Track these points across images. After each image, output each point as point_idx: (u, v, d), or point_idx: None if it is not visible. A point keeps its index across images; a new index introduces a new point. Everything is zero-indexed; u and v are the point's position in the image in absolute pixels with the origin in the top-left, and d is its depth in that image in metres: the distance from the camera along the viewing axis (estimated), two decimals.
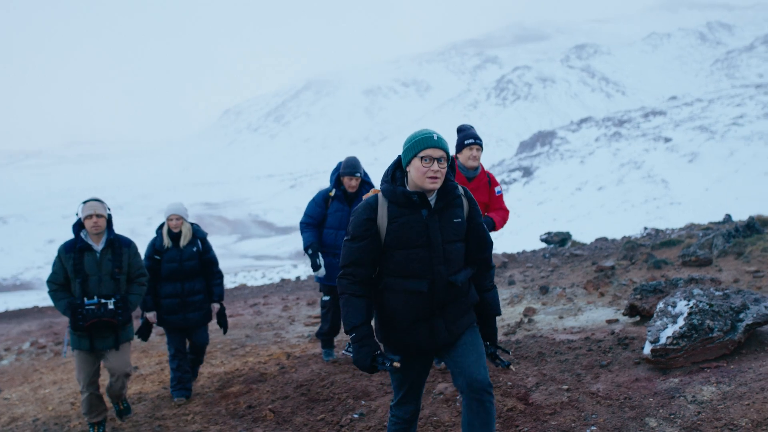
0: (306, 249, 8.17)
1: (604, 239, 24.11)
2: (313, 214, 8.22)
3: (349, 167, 8.07)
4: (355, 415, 6.16)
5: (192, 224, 7.90)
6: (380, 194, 4.02)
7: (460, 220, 4.02)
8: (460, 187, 4.11)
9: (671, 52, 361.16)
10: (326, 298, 8.31)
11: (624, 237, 25.39)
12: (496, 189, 7.01)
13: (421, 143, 3.86)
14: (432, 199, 3.96)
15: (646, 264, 12.73)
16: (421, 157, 3.84)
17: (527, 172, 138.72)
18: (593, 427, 5.05)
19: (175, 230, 7.74)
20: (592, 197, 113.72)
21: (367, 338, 3.88)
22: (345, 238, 4.04)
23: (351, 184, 8.07)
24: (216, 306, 7.98)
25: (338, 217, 8.15)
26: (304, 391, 7.22)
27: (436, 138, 3.87)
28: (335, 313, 8.27)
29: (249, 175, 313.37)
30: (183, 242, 7.68)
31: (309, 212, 8.26)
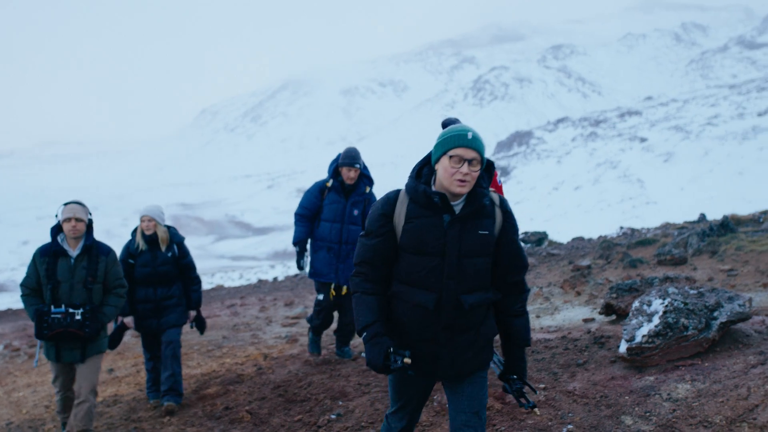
0: (294, 244, 7.98)
1: (581, 239, 24.27)
2: (308, 205, 7.94)
3: (349, 158, 7.74)
4: (333, 416, 6.15)
5: (169, 228, 7.59)
6: (403, 190, 3.63)
7: (487, 233, 3.52)
8: (495, 196, 3.65)
9: (647, 53, 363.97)
10: (320, 297, 7.96)
11: (600, 236, 25.54)
12: (498, 179, 6.93)
13: (452, 141, 3.43)
14: (458, 204, 3.51)
15: (622, 263, 12.81)
16: (450, 156, 3.41)
17: (504, 171, 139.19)
18: (570, 426, 5.07)
19: (147, 232, 7.40)
20: (568, 197, 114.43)
21: (378, 335, 3.48)
22: (360, 234, 3.70)
23: (350, 175, 7.73)
24: (192, 313, 7.70)
25: (334, 210, 7.83)
26: (281, 392, 7.20)
27: (471, 137, 3.43)
28: (328, 314, 8.03)
29: (226, 175, 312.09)
30: (162, 247, 7.43)
31: (304, 203, 7.98)
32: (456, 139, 3.42)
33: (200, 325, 7.83)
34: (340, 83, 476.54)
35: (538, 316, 9.66)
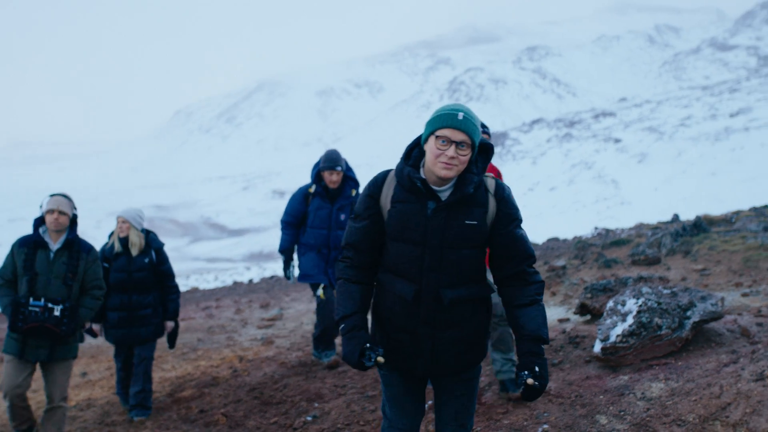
0: (281, 252, 7.87)
1: (556, 239, 24.43)
2: (292, 212, 7.71)
3: (329, 161, 7.42)
4: (309, 418, 6.13)
5: (149, 233, 7.25)
6: (392, 172, 3.40)
7: (475, 223, 3.22)
8: (491, 183, 3.34)
9: (621, 54, 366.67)
10: (319, 292, 7.69)
11: (575, 237, 25.72)
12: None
13: (440, 120, 3.15)
14: (446, 190, 3.24)
15: (596, 263, 12.90)
16: (437, 136, 3.13)
17: None
18: (545, 426, 5.09)
19: (121, 234, 7.06)
20: (543, 197, 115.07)
21: (356, 329, 3.28)
22: (350, 216, 3.53)
23: (332, 179, 7.45)
24: (170, 324, 7.28)
25: (320, 216, 7.56)
26: (256, 394, 7.17)
27: (461, 118, 3.13)
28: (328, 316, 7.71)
29: (200, 176, 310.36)
30: (134, 251, 7.01)
31: (289, 210, 7.76)
32: (445, 118, 3.15)
33: (171, 338, 7.44)
34: (315, 84, 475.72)
35: None
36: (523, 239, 3.33)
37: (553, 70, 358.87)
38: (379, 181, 3.38)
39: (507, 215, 3.29)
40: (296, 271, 7.87)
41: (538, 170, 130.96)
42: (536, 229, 68.28)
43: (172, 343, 7.48)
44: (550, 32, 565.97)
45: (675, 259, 12.18)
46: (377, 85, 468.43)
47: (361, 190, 7.69)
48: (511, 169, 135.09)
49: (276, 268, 67.11)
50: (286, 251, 7.82)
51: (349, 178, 7.70)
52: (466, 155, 3.15)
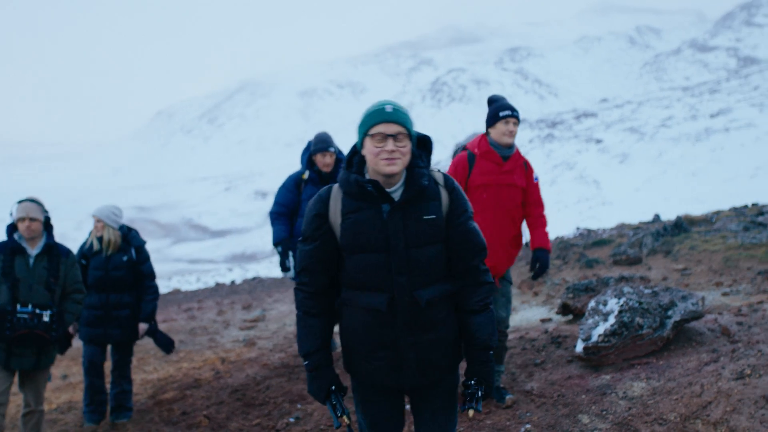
0: (275, 245, 7.33)
1: None
2: (284, 202, 7.29)
3: (321, 142, 7.08)
4: (291, 419, 6.12)
5: (130, 230, 7.10)
6: (336, 185, 3.26)
7: (433, 216, 3.13)
8: (439, 175, 3.28)
9: (602, 55, 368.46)
10: None
11: (557, 237, 25.79)
12: (534, 176, 5.80)
13: (370, 118, 3.08)
14: (397, 190, 3.14)
15: (578, 263, 12.95)
16: (372, 135, 3.06)
17: None
18: (527, 425, 5.10)
19: (97, 234, 6.97)
20: None
21: (321, 369, 3.20)
22: (299, 239, 3.30)
23: (325, 161, 7.04)
24: (143, 326, 6.93)
25: None
26: (239, 396, 7.15)
27: (390, 110, 3.07)
28: None
29: (182, 177, 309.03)
30: (108, 250, 6.84)
31: (279, 200, 7.33)
32: (374, 115, 3.08)
33: (163, 343, 7.19)
34: (297, 85, 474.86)
35: None
36: (475, 231, 3.27)
37: (534, 71, 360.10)
38: (323, 197, 3.23)
39: (460, 205, 3.23)
40: (293, 261, 7.16)
41: None
42: None
43: (165, 347, 7.24)
44: (531, 33, 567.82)
45: (656, 259, 12.25)
46: (360, 86, 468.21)
47: None
48: None
49: (258, 269, 66.87)
50: (281, 242, 7.26)
51: (339, 161, 7.17)
52: (405, 146, 3.09)
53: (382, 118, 3.05)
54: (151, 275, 7.05)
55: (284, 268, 7.34)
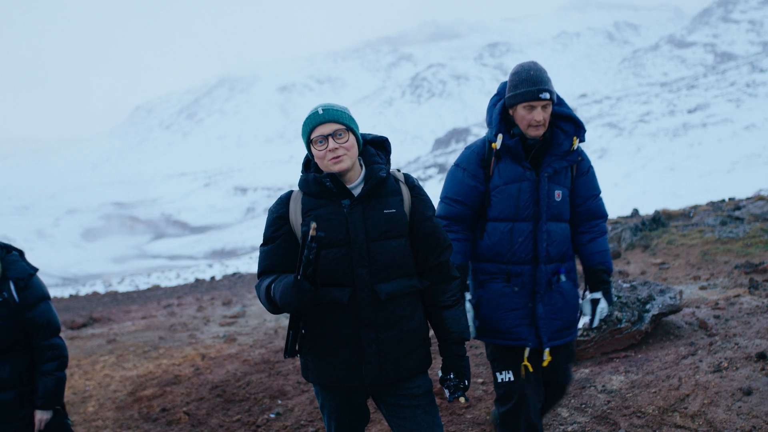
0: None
1: None
2: (462, 195, 4.45)
3: (526, 83, 3.86)
4: (272, 415, 6.11)
5: (9, 251, 4.16)
6: (296, 188, 3.27)
7: (394, 211, 3.14)
8: (398, 173, 3.32)
9: (581, 51, 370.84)
10: None
11: None
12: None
13: (306, 126, 3.12)
14: (356, 186, 3.16)
15: None
16: (312, 140, 3.10)
17: (443, 168, 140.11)
18: None
19: None
20: None
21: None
22: (260, 245, 3.27)
23: (534, 117, 3.90)
24: (43, 416, 4.00)
25: None
26: (219, 392, 7.12)
27: (321, 111, 3.09)
28: None
29: (161, 173, 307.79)
30: None
31: (452, 192, 4.43)
32: (308, 121, 3.10)
33: None
34: (277, 80, 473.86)
35: None
36: (440, 226, 3.30)
37: (514, 66, 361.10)
38: (284, 199, 3.24)
39: (422, 202, 3.24)
40: None
41: None
42: None
43: None
44: (511, 29, 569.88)
45: (634, 253, 12.34)
46: (339, 81, 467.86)
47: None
48: None
49: (238, 265, 66.72)
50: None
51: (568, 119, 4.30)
52: (347, 141, 3.08)
53: (316, 121, 3.07)
54: (48, 326, 4.08)
55: None
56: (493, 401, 5.55)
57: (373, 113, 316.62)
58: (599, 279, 4.06)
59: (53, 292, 51.47)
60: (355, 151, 3.13)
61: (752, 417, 4.36)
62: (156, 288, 26.53)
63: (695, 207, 18.83)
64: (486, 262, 4.00)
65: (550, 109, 3.82)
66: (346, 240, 3.07)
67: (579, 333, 6.01)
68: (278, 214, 3.20)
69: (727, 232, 11.79)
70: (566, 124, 3.97)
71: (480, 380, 6.07)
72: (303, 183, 3.18)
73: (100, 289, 47.16)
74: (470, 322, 3.95)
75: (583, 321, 4.26)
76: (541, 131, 3.82)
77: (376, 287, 3.08)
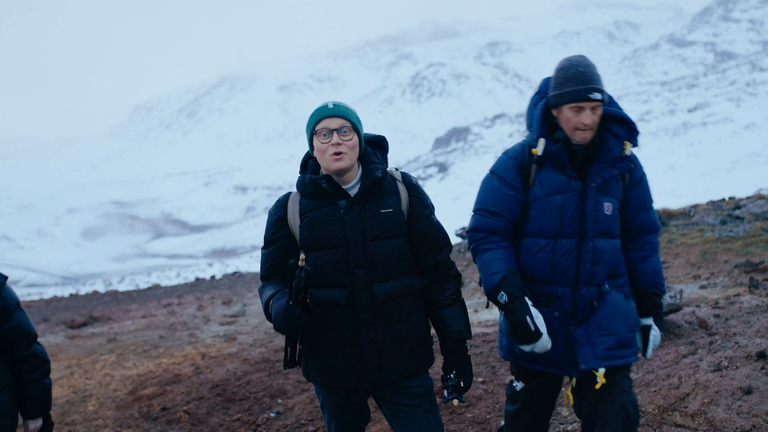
0: (490, 296, 3.99)
1: None
2: (498, 205, 3.73)
3: (575, 81, 3.40)
4: (272, 414, 6.11)
5: None
6: (294, 190, 3.28)
7: (391, 210, 3.13)
8: (396, 172, 3.30)
9: (581, 50, 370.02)
10: None
11: None
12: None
13: (314, 117, 3.11)
14: (353, 187, 3.16)
15: None
16: (317, 132, 3.08)
17: (443, 167, 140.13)
18: None
19: None
20: None
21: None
22: (261, 248, 3.30)
23: (581, 120, 3.38)
24: (35, 424, 3.87)
25: None
26: (219, 391, 7.12)
27: (331, 106, 3.09)
28: None
29: (161, 172, 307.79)
30: None
31: (486, 201, 3.82)
32: (317, 113, 3.10)
33: None
34: (277, 79, 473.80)
35: (476, 311, 9.76)
36: (439, 226, 3.29)
37: (514, 65, 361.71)
38: (282, 202, 3.26)
39: (420, 200, 3.24)
40: None
41: None
42: None
43: None
44: (511, 28, 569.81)
45: None
46: (339, 80, 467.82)
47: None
48: (474, 164, 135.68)
49: (239, 264, 66.69)
50: (502, 285, 3.99)
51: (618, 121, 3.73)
52: (350, 139, 3.09)
53: (325, 114, 3.07)
54: (29, 335, 3.75)
55: (530, 334, 3.35)
56: (492, 401, 5.56)
57: (373, 112, 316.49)
58: (651, 303, 3.58)
59: (53, 291, 51.48)
60: (356, 152, 3.14)
61: (752, 416, 4.37)
62: (156, 287, 26.53)
63: (695, 206, 18.82)
64: (525, 282, 3.56)
65: (600, 111, 3.37)
66: (343, 241, 3.08)
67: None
68: (277, 216, 3.23)
69: (727, 231, 11.79)
70: (617, 126, 3.52)
71: (480, 379, 6.08)
72: (300, 185, 3.20)
73: (101, 288, 47.15)
74: (542, 329, 3.33)
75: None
76: (589, 135, 3.39)
77: (374, 287, 3.09)
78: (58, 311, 18.02)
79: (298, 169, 3.34)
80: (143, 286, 33.24)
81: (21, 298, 33.14)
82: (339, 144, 3.04)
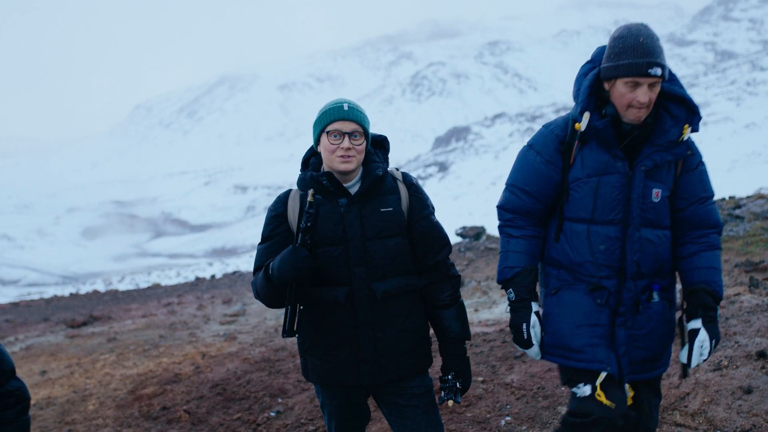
0: (505, 287, 3.70)
1: None
2: (531, 185, 3.41)
3: (632, 51, 3.01)
4: (272, 413, 6.11)
5: None
6: (295, 187, 3.29)
7: (391, 209, 3.13)
8: (396, 172, 3.30)
9: (581, 49, 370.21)
10: None
11: None
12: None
13: (327, 116, 3.09)
14: (353, 185, 3.17)
15: None
16: (328, 132, 3.07)
17: (443, 167, 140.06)
18: (508, 418, 5.13)
19: None
20: None
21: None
22: (258, 243, 3.26)
23: (637, 98, 3.06)
24: None
25: None
26: (219, 390, 7.12)
27: (347, 108, 3.08)
28: None
29: (161, 172, 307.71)
30: None
31: (519, 179, 3.55)
32: (331, 113, 3.08)
33: None
34: (277, 79, 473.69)
35: (476, 310, 9.75)
36: (439, 226, 3.29)
37: (514, 65, 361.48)
38: (282, 198, 3.25)
39: (420, 200, 3.25)
40: None
41: (500, 164, 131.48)
42: None
43: None
44: (511, 27, 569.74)
45: None
46: (339, 80, 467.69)
47: None
48: (474, 163, 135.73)
49: (239, 263, 66.66)
50: (516, 278, 3.82)
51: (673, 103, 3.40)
52: (361, 144, 3.10)
53: (340, 116, 3.07)
54: (6, 371, 3.22)
55: (522, 341, 3.30)
56: (493, 400, 5.56)
57: (374, 112, 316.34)
58: (700, 302, 3.18)
59: (54, 291, 51.50)
60: (363, 155, 3.16)
61: (752, 415, 4.37)
62: (156, 286, 26.54)
63: None
64: (560, 269, 3.30)
65: (658, 89, 3.01)
66: (343, 239, 3.08)
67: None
68: (277, 212, 3.22)
69: (727, 230, 11.79)
70: (676, 107, 3.13)
71: (480, 378, 6.08)
72: (301, 182, 3.19)
73: (101, 287, 47.19)
74: (534, 340, 3.22)
75: (680, 357, 3.24)
76: (643, 115, 3.03)
77: (373, 285, 3.10)
78: (58, 310, 18.03)
79: (300, 166, 3.33)
80: (143, 285, 33.27)
81: (21, 298, 33.20)
82: (350, 148, 3.05)
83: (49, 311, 18.05)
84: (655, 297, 3.17)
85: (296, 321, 3.10)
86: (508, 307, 3.31)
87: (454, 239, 29.55)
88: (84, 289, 45.32)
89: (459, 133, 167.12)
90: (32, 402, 7.83)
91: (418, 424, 3.21)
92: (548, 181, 3.22)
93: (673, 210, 3.22)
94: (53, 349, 11.10)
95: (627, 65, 2.92)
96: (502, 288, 3.36)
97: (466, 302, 10.53)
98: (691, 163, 3.20)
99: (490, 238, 23.31)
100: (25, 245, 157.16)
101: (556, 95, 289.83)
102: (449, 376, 3.21)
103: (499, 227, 3.43)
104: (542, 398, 5.37)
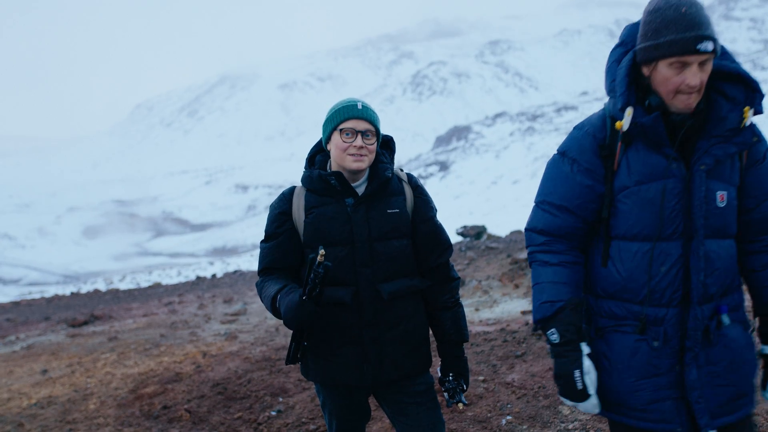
0: (539, 323, 3.26)
1: (519, 232, 24.55)
2: (565, 196, 2.78)
3: (676, 25, 2.42)
4: (273, 413, 6.11)
5: None
6: (299, 184, 3.23)
7: (397, 210, 3.11)
8: (401, 173, 3.27)
9: (582, 49, 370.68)
10: None
11: None
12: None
13: (341, 113, 3.06)
14: (360, 185, 3.13)
15: None
16: (341, 130, 3.03)
17: (444, 166, 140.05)
18: (509, 417, 5.13)
19: None
20: (507, 191, 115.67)
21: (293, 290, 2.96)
22: (261, 241, 3.23)
23: (686, 81, 2.40)
24: None
25: None
26: (220, 389, 7.13)
27: (361, 107, 3.07)
28: None
29: (162, 171, 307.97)
30: None
31: (550, 192, 2.93)
32: (345, 110, 3.06)
33: None
34: (278, 78, 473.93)
35: (477, 309, 9.75)
36: (442, 228, 3.28)
37: (515, 64, 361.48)
38: (287, 195, 3.21)
39: (425, 202, 3.22)
40: None
41: (501, 163, 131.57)
42: (500, 221, 68.80)
43: None
44: (512, 27, 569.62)
45: None
46: (340, 79, 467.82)
47: None
48: (475, 162, 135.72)
49: (240, 262, 66.66)
50: (554, 317, 3.03)
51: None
52: (373, 144, 3.08)
53: (354, 114, 3.05)
54: None
55: (575, 393, 2.60)
56: (493, 399, 5.55)
57: (375, 110, 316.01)
58: None
59: (55, 290, 51.50)
60: (374, 155, 3.13)
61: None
62: (157, 286, 26.55)
63: None
64: (608, 299, 2.67)
65: (710, 68, 2.43)
66: (349, 239, 3.06)
67: None
68: (281, 210, 3.18)
69: None
70: (732, 87, 2.55)
71: (481, 378, 6.08)
72: (307, 179, 3.16)
73: (102, 286, 47.18)
74: (591, 389, 2.54)
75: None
76: (694, 101, 2.45)
77: (379, 286, 3.07)
78: (59, 310, 18.04)
79: (304, 164, 3.29)
80: (144, 284, 33.30)
81: (22, 297, 33.21)
82: (362, 147, 3.03)
83: (50, 310, 18.06)
84: (725, 320, 2.56)
85: (300, 351, 3.07)
86: (551, 352, 2.67)
87: (454, 238, 29.56)
88: (85, 288, 45.30)
89: (460, 133, 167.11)
90: (33, 401, 7.83)
91: (421, 421, 3.20)
92: (590, 193, 2.63)
93: (739, 212, 2.64)
94: (54, 348, 11.10)
95: (670, 42, 2.38)
96: (540, 329, 2.70)
97: (467, 301, 10.53)
98: (757, 153, 2.61)
99: (491, 237, 23.35)
100: (26, 244, 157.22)
101: (556, 94, 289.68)
102: (449, 377, 3.22)
103: (530, 254, 2.83)
104: (543, 397, 5.38)
